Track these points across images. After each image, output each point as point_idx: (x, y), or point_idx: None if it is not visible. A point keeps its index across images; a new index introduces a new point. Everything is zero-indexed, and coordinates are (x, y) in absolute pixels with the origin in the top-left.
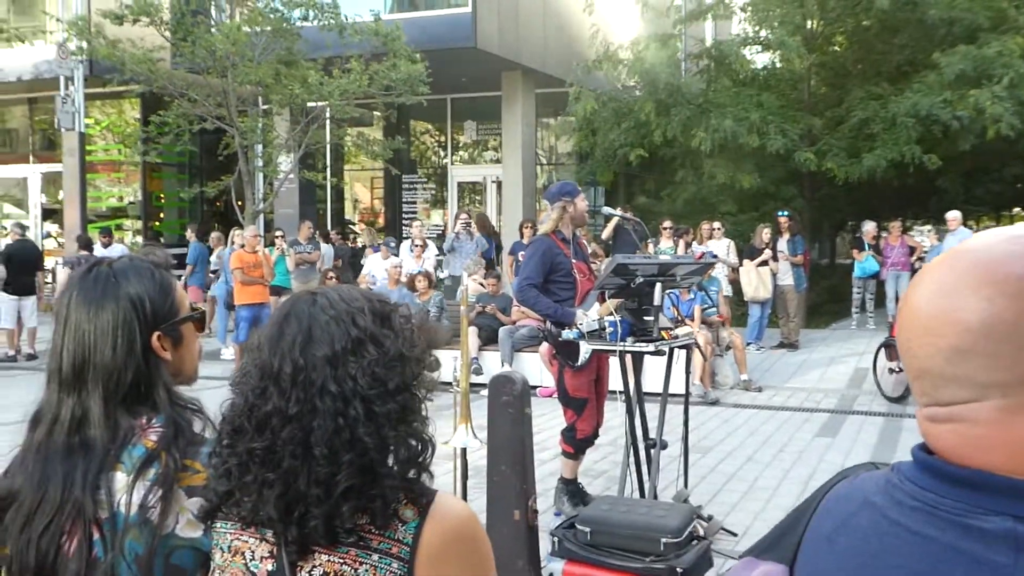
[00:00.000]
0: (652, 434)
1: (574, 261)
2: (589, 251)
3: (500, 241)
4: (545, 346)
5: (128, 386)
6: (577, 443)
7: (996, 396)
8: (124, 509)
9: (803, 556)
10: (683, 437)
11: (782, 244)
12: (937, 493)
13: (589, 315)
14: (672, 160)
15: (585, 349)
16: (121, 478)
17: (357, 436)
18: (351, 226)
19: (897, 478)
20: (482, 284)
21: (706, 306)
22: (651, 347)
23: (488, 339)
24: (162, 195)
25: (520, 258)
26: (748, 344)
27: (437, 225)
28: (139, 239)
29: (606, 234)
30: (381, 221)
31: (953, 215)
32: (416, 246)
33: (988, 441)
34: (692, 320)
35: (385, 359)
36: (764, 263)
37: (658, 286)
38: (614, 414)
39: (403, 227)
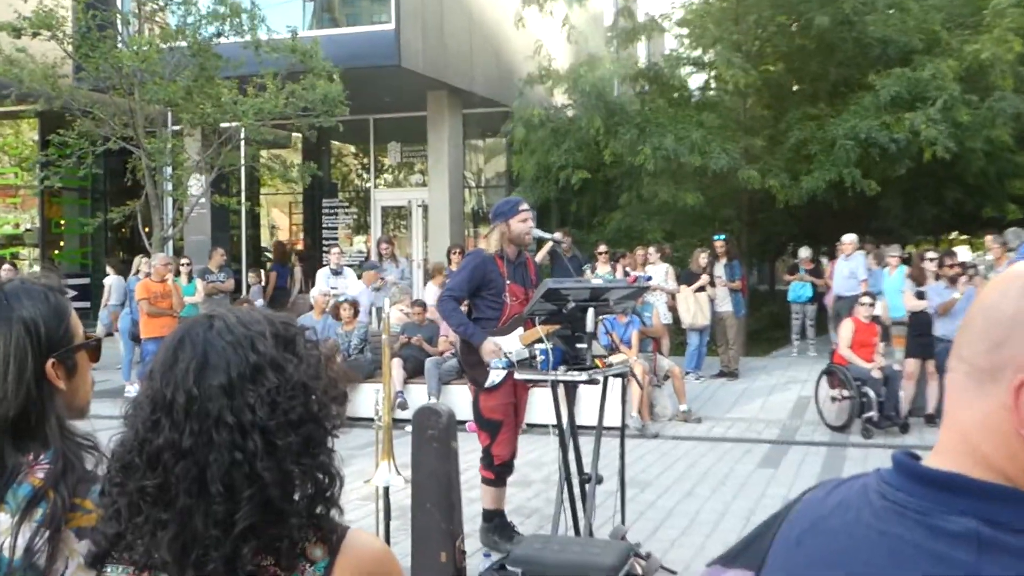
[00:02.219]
0: (587, 468)
1: (508, 282)
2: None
3: (427, 267)
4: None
5: (17, 418)
6: (496, 469)
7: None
8: (8, 553)
9: (771, 560)
10: (619, 471)
11: (719, 269)
12: (908, 493)
13: (507, 342)
14: (610, 183)
15: (496, 374)
16: (4, 519)
17: (256, 471)
18: (265, 254)
19: (875, 480)
20: (407, 313)
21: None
22: (584, 376)
23: (414, 371)
24: (62, 221)
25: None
26: (687, 373)
27: (360, 252)
28: (36, 269)
29: (539, 258)
30: (299, 247)
31: (849, 239)
32: (333, 273)
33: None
34: (629, 347)
35: (287, 387)
36: (702, 288)
37: (590, 311)
38: (547, 448)
39: (323, 254)
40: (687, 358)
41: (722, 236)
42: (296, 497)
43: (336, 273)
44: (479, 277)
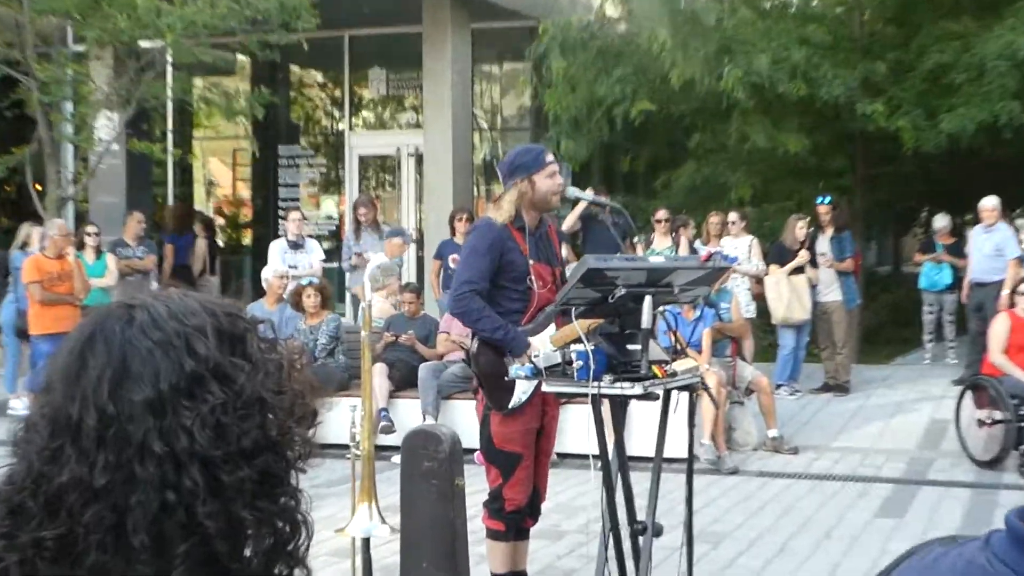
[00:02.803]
0: (640, 515)
1: (533, 262)
2: (564, 252)
3: (420, 239)
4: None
5: None
6: (506, 517)
7: None
8: None
9: None
10: (686, 520)
11: (824, 244)
12: None
13: (543, 342)
14: (677, 122)
15: (523, 387)
16: None
17: (196, 518)
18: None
19: (985, 557)
20: (394, 304)
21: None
22: (638, 388)
23: (404, 381)
24: None
25: (451, 263)
26: (779, 387)
27: (330, 218)
28: None
29: (568, 225)
30: (248, 212)
31: (990, 204)
32: (292, 246)
33: None
34: (699, 351)
35: (236, 403)
36: (800, 270)
37: (647, 301)
38: (586, 487)
39: (278, 220)
40: (779, 366)
41: (828, 199)
42: (248, 553)
43: (296, 246)
44: (497, 257)
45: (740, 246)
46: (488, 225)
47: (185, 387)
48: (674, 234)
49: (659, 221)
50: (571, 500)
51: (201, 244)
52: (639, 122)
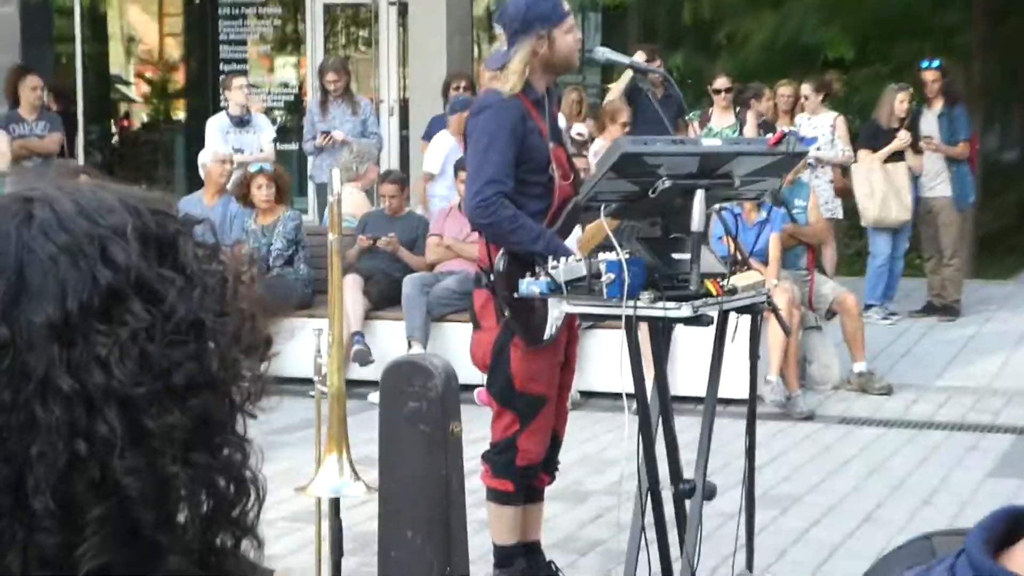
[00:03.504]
0: (688, 473)
1: (552, 145)
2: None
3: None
4: (481, 296)
5: None
6: (517, 474)
7: None
8: None
9: None
10: (746, 477)
11: (929, 122)
12: None
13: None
14: None
15: (557, 311)
16: None
17: (112, 474)
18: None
19: None
20: (374, 196)
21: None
22: (685, 309)
23: (384, 298)
24: None
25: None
26: (868, 307)
27: (286, 87)
28: None
29: (611, 98)
30: (180, 78)
31: None
32: (236, 123)
33: None
34: (765, 263)
35: (166, 327)
36: (898, 156)
37: (699, 196)
38: (618, 435)
39: (219, 90)
40: (869, 280)
41: (937, 62)
42: (182, 519)
43: (241, 123)
44: (517, 145)
45: (820, 125)
46: (501, 102)
47: (99, 306)
48: (739, 109)
49: (718, 92)
50: (599, 452)
51: None
52: None
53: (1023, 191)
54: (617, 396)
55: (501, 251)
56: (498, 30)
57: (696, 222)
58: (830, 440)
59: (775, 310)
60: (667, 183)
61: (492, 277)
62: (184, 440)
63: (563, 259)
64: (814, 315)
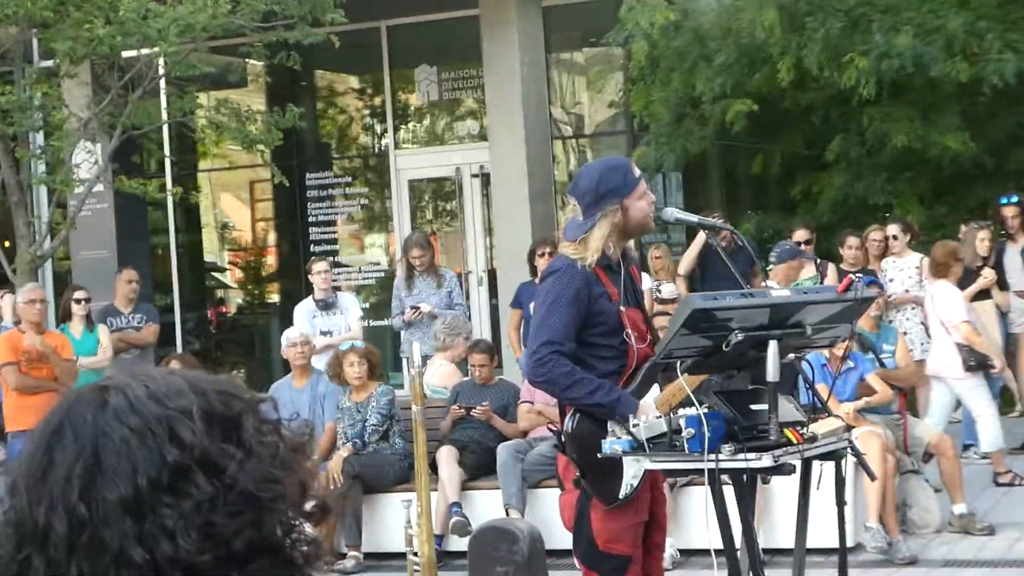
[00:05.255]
0: None
1: (623, 309)
2: (650, 287)
3: (492, 283)
4: (563, 459)
5: None
6: None
7: None
8: None
9: None
10: None
11: (1013, 258)
12: None
13: (647, 407)
14: (806, 114)
15: (633, 470)
16: None
17: None
18: (217, 272)
19: None
20: (469, 367)
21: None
22: (766, 459)
23: (480, 467)
24: None
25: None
26: (966, 448)
27: (376, 265)
28: None
29: (686, 267)
30: (272, 262)
31: None
32: (322, 306)
33: None
34: (851, 412)
35: (227, 498)
36: (984, 295)
37: (772, 346)
38: None
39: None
40: (965, 421)
41: (1015, 198)
42: None
43: (326, 306)
44: (583, 306)
45: (906, 267)
46: (569, 267)
47: (167, 481)
48: (819, 261)
49: (798, 243)
50: None
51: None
52: (738, 126)
53: None
54: (702, 553)
55: (571, 411)
56: (571, 200)
57: (771, 372)
58: None
59: (858, 455)
60: (740, 336)
61: (563, 439)
62: None
63: (643, 417)
64: (910, 459)
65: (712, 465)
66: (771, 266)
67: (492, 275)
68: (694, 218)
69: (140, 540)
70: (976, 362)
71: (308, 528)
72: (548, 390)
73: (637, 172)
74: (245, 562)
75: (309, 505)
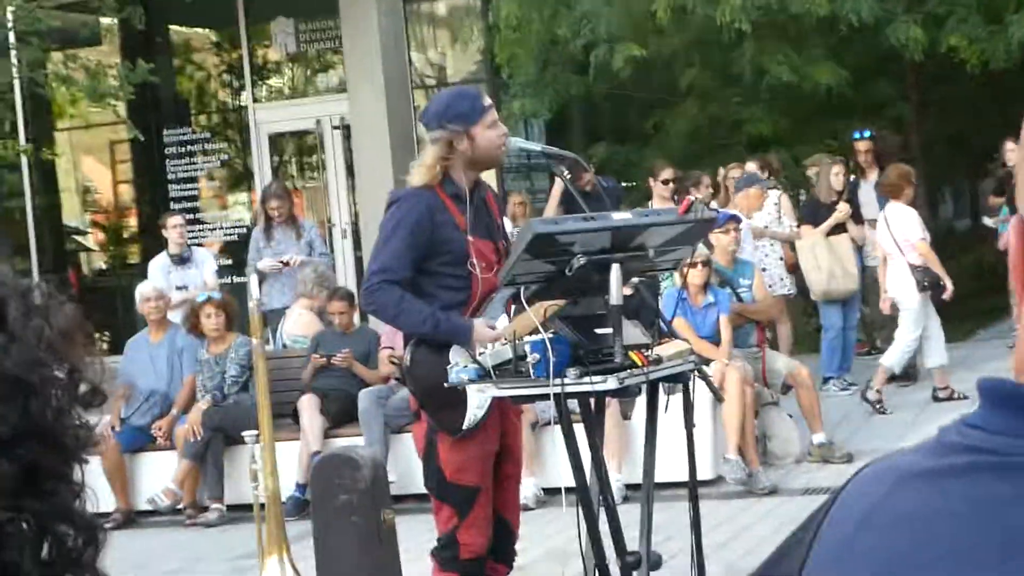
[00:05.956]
0: (632, 546)
1: (471, 237)
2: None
3: (356, 233)
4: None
5: None
6: (463, 567)
7: None
8: None
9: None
10: (693, 551)
11: (868, 192)
12: (1011, 434)
13: (493, 333)
14: (669, 60)
15: (478, 400)
16: None
17: None
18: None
19: (955, 430)
20: (324, 315)
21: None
22: (612, 381)
23: (342, 414)
24: None
25: None
26: (827, 380)
27: (237, 221)
28: None
29: (550, 208)
30: (133, 222)
31: None
32: (176, 260)
33: None
34: (718, 346)
35: None
36: (840, 228)
37: (615, 270)
38: (555, 519)
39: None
40: (824, 353)
41: (868, 132)
42: (25, 566)
43: (181, 260)
44: (423, 236)
45: (766, 204)
46: (412, 195)
47: None
48: (682, 196)
49: (661, 181)
50: (563, 546)
51: None
52: (625, 71)
53: (975, 254)
54: (557, 490)
55: (409, 342)
56: (422, 131)
57: (614, 295)
58: (794, 512)
59: (705, 377)
60: (582, 260)
61: (401, 369)
62: (13, 488)
63: (488, 341)
64: (769, 391)
65: (558, 390)
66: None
67: (356, 226)
68: (537, 147)
69: None
70: (929, 282)
71: (80, 412)
72: (380, 318)
73: (487, 101)
74: (11, 447)
75: (81, 390)
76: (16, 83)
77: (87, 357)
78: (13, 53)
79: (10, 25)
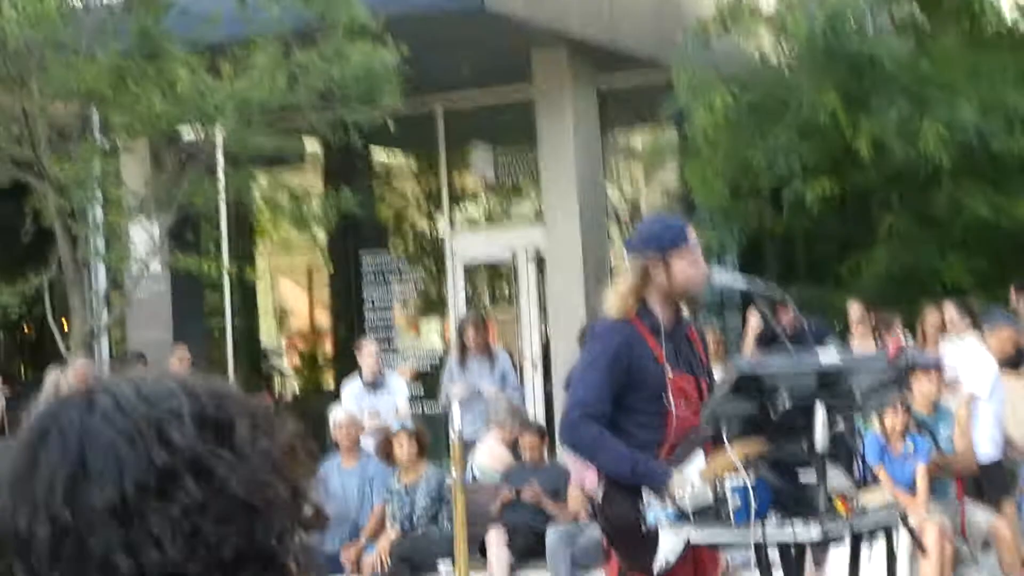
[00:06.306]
0: None
1: (672, 372)
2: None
3: (547, 367)
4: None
5: None
6: None
7: None
8: None
9: None
10: None
11: None
12: None
13: (690, 475)
14: (866, 197)
15: (672, 542)
16: None
17: None
18: (273, 359)
19: None
20: (520, 450)
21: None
22: (814, 531)
23: (529, 551)
24: None
25: None
26: None
27: (430, 349)
28: None
29: (747, 350)
30: (328, 346)
31: None
32: (369, 387)
33: None
34: (912, 494)
35: (219, 503)
36: None
37: (819, 411)
38: None
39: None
40: None
41: None
42: None
43: (374, 386)
44: (622, 370)
45: (965, 348)
46: (610, 327)
47: (155, 485)
48: (878, 337)
49: (859, 323)
50: None
51: None
52: (815, 207)
53: None
54: None
55: (602, 478)
56: (617, 263)
57: (819, 440)
58: None
59: (910, 528)
60: (787, 402)
61: (594, 506)
62: None
63: (687, 488)
64: (969, 547)
65: (759, 538)
66: None
67: (547, 358)
68: (742, 282)
69: (126, 547)
70: None
71: (302, 535)
72: (577, 453)
73: (691, 235)
74: (235, 570)
75: (304, 512)
76: (222, 203)
77: (310, 478)
78: (221, 174)
79: (220, 147)
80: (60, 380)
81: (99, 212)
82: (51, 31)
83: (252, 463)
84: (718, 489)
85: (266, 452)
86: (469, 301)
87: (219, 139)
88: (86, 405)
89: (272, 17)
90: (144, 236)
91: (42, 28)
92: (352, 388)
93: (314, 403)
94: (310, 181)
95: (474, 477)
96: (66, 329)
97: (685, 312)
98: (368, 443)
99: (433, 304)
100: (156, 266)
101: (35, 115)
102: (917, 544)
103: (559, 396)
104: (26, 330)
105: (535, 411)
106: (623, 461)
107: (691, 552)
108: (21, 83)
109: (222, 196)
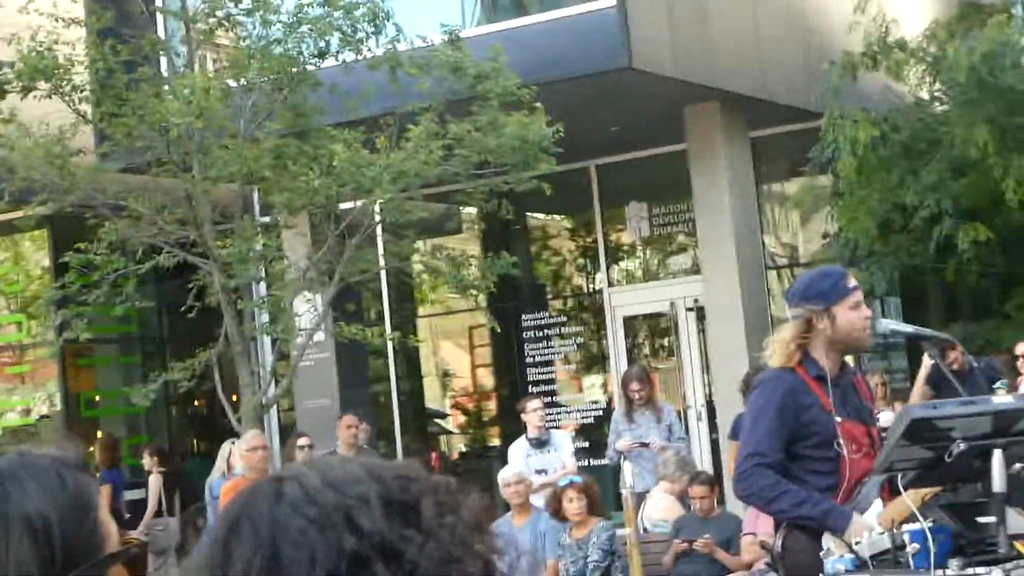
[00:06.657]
0: None
1: (840, 419)
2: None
3: (712, 416)
4: None
5: None
6: None
7: None
8: None
9: None
10: None
11: None
12: None
13: (868, 521)
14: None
15: None
16: None
17: None
18: (438, 421)
19: None
20: (690, 500)
21: None
22: (997, 574)
23: None
24: (96, 397)
25: None
26: None
27: (593, 404)
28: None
29: (917, 395)
30: (492, 404)
31: None
32: (535, 444)
33: None
34: None
35: None
36: None
37: (996, 456)
38: None
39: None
40: None
41: None
42: None
43: (540, 444)
44: (790, 418)
45: None
46: (774, 377)
47: (346, 571)
48: None
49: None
50: None
51: (154, 482)
52: (969, 252)
53: None
54: None
55: (781, 526)
56: (778, 312)
57: (997, 483)
58: None
59: None
60: (962, 446)
61: (773, 555)
62: None
63: (865, 533)
64: None
65: None
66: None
67: (711, 408)
68: (909, 328)
69: None
70: None
71: None
72: (753, 504)
73: (852, 283)
74: None
75: None
76: (383, 272)
77: (498, 550)
78: (380, 243)
79: (377, 218)
80: (232, 452)
81: (263, 287)
82: (211, 117)
83: (440, 541)
84: (895, 535)
85: (453, 528)
86: (629, 354)
87: (376, 210)
88: (275, 495)
89: (422, 90)
90: (307, 307)
91: (202, 115)
92: (519, 447)
93: (480, 462)
94: (468, 245)
95: (645, 529)
96: (235, 400)
97: (849, 360)
98: (538, 500)
99: (594, 359)
100: (320, 336)
101: (198, 197)
102: None
103: (724, 445)
104: (196, 403)
105: (701, 461)
106: (804, 503)
107: None
108: (185, 168)
109: (382, 265)
